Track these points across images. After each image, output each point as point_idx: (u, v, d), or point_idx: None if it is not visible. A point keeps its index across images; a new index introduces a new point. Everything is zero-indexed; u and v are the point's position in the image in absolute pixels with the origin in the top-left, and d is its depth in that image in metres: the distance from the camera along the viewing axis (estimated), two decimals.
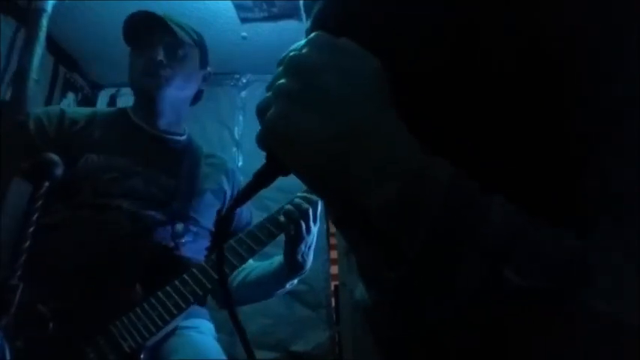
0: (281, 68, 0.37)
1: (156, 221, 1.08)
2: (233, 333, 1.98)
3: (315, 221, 1.09)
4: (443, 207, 0.30)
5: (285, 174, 0.38)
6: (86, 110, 1.23)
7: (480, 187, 0.32)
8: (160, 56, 1.15)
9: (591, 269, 0.29)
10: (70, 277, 0.98)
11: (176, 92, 1.20)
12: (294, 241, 1.08)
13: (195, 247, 1.15)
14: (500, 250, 0.30)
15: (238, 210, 1.26)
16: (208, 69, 1.31)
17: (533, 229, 0.31)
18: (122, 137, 1.17)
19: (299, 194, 1.09)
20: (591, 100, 0.34)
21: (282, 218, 1.06)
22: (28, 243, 0.62)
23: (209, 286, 1.00)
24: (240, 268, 1.16)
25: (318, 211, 1.09)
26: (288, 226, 1.06)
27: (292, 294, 2.35)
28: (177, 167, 1.19)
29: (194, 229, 1.14)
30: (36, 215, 0.67)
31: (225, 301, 0.40)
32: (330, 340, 2.31)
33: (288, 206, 1.07)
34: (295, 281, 1.21)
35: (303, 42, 0.38)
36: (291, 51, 0.38)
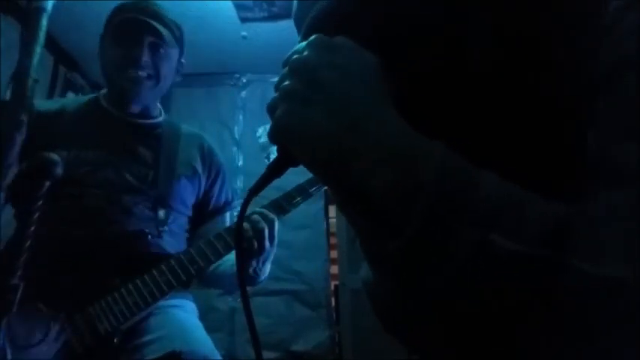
0: (284, 70, 0.41)
1: (134, 208, 1.10)
2: (232, 332, 2.02)
3: (271, 240, 1.07)
4: (435, 184, 0.33)
5: (295, 165, 0.42)
6: (55, 103, 1.24)
7: (473, 164, 0.35)
8: (145, 56, 1.17)
9: (578, 234, 0.30)
10: (49, 260, 0.99)
11: (152, 89, 1.21)
12: (246, 256, 1.07)
13: (173, 233, 1.17)
14: (489, 218, 0.32)
15: (216, 190, 1.28)
16: (182, 60, 1.32)
17: (522, 198, 0.33)
18: (94, 127, 1.18)
19: (257, 210, 1.08)
20: (576, 78, 0.37)
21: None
22: (29, 242, 0.62)
23: (184, 278, 1.03)
24: None
25: (275, 230, 1.08)
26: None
27: (292, 294, 2.35)
28: (153, 153, 1.20)
29: (172, 214, 1.17)
30: (37, 215, 0.67)
31: (244, 303, 0.43)
32: (330, 339, 2.32)
33: (245, 223, 1.05)
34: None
35: (304, 44, 0.41)
36: (293, 53, 0.41)
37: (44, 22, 0.60)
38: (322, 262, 2.39)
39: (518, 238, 0.31)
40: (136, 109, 1.24)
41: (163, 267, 1.03)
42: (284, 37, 2.48)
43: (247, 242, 1.04)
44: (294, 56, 0.41)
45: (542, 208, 0.32)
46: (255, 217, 1.06)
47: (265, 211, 1.08)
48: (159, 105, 1.32)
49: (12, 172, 0.59)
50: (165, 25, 1.21)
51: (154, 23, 1.18)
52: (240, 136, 2.60)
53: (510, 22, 0.38)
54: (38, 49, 0.59)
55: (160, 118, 1.30)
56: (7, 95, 0.62)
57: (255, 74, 2.73)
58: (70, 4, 2.13)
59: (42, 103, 1.20)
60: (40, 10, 0.60)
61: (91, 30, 2.43)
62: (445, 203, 0.33)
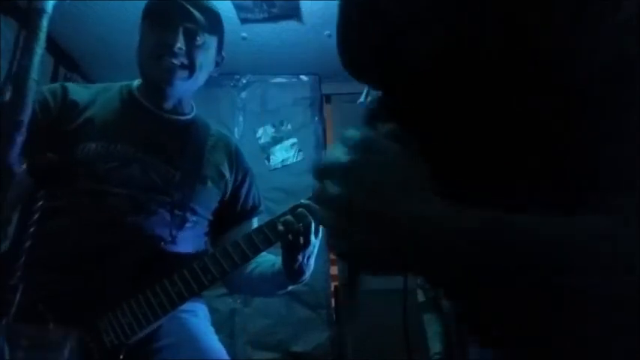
0: (329, 170, 0.42)
1: (155, 210, 1.05)
2: (232, 334, 1.98)
3: (316, 233, 1.03)
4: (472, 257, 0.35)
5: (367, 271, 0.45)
6: (88, 90, 1.17)
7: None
8: (180, 42, 1.09)
9: (569, 249, 0.32)
10: (64, 263, 0.96)
11: (186, 80, 1.14)
12: (291, 251, 1.03)
13: (192, 237, 1.12)
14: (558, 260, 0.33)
15: (242, 195, 1.23)
16: (222, 54, 1.25)
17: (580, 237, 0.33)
18: (123, 119, 1.13)
19: (302, 201, 1.04)
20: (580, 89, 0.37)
21: (280, 227, 1.01)
22: (28, 243, 0.62)
23: (196, 289, 0.97)
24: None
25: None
26: (286, 236, 1.01)
27: (292, 294, 2.35)
28: (180, 152, 1.14)
29: (193, 218, 1.11)
30: (37, 216, 0.67)
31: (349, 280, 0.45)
32: (329, 340, 2.32)
33: (289, 216, 1.01)
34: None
35: (342, 145, 0.42)
36: (334, 157, 0.42)
37: (45, 22, 0.60)
38: (322, 262, 2.38)
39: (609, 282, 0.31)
40: (169, 103, 1.17)
41: (175, 277, 0.97)
42: (284, 38, 2.48)
43: (293, 237, 1.01)
44: (337, 162, 0.41)
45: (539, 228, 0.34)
46: (301, 210, 1.02)
47: (311, 203, 1.03)
48: (191, 100, 1.24)
49: (13, 172, 0.59)
50: (203, 11, 1.13)
51: (190, 7, 1.11)
52: (240, 137, 2.60)
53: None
54: (39, 50, 0.59)
55: (192, 115, 1.23)
56: (7, 95, 0.62)
57: (255, 75, 2.73)
58: (70, 5, 2.13)
59: (75, 90, 1.14)
60: (41, 11, 0.60)
61: (91, 30, 2.45)
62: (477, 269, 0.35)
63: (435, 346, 2.07)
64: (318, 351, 2.28)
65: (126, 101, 1.16)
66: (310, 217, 1.01)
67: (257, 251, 1.02)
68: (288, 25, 2.36)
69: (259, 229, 1.04)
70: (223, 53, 1.25)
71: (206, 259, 0.99)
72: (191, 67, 1.12)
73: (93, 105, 1.12)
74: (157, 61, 1.10)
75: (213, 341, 1.09)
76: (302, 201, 1.04)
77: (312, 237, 1.03)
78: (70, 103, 1.10)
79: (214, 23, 1.17)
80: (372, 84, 0.43)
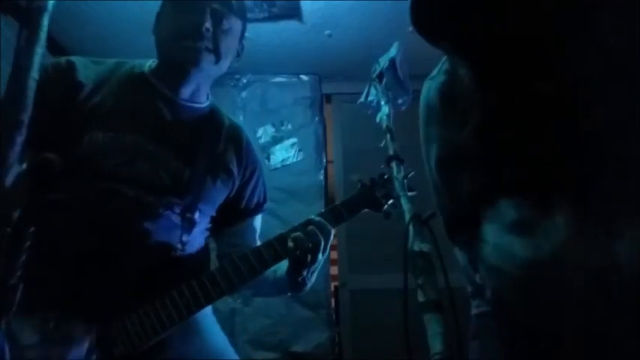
0: None
1: (163, 214, 1.00)
2: (233, 334, 1.98)
3: (324, 251, 1.02)
4: None
5: None
6: (97, 67, 1.08)
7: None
8: (208, 23, 1.03)
9: None
10: (65, 265, 0.92)
11: (211, 65, 1.07)
12: (298, 266, 1.02)
13: (196, 236, 1.08)
14: None
15: (248, 191, 1.19)
16: (243, 42, 1.19)
17: None
18: (135, 105, 1.05)
19: (313, 218, 1.02)
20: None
21: (290, 243, 0.99)
22: (28, 243, 0.62)
23: (204, 302, 0.96)
24: None
25: (330, 241, 1.02)
26: (295, 252, 1.00)
27: (292, 295, 2.35)
28: (194, 146, 1.08)
29: (199, 219, 1.07)
30: (38, 215, 0.67)
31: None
32: (330, 340, 2.32)
33: (299, 233, 1.00)
34: None
35: None
36: None
37: (45, 21, 0.60)
38: (322, 263, 2.39)
39: None
40: (187, 89, 1.09)
41: (184, 289, 0.95)
42: (284, 37, 2.48)
43: (301, 253, 0.99)
44: None
45: None
46: (312, 228, 1.00)
47: (323, 221, 1.02)
48: (208, 89, 1.17)
49: (13, 173, 0.59)
50: None
51: None
52: None
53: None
54: (39, 50, 0.59)
55: (207, 103, 1.16)
56: (8, 95, 0.62)
57: (256, 75, 2.73)
58: (70, 4, 2.13)
59: (83, 67, 1.05)
60: (41, 10, 0.60)
61: (91, 30, 2.45)
62: None
63: (435, 346, 2.07)
64: (318, 351, 2.28)
65: (138, 85, 1.08)
66: (320, 236, 0.99)
67: (266, 266, 1.00)
68: (288, 25, 2.36)
69: (269, 243, 1.01)
70: (244, 41, 1.19)
71: (215, 273, 0.97)
72: (217, 53, 1.06)
73: (101, 88, 1.04)
74: (182, 42, 1.03)
75: (219, 333, 1.09)
76: (312, 217, 1.03)
77: (320, 255, 1.01)
78: (77, 85, 1.02)
79: (241, 6, 1.12)
80: (446, 47, 0.46)
